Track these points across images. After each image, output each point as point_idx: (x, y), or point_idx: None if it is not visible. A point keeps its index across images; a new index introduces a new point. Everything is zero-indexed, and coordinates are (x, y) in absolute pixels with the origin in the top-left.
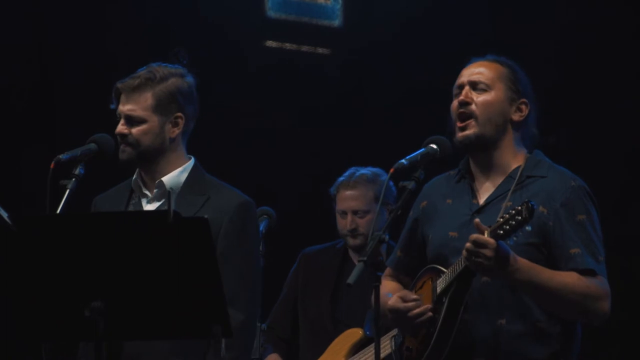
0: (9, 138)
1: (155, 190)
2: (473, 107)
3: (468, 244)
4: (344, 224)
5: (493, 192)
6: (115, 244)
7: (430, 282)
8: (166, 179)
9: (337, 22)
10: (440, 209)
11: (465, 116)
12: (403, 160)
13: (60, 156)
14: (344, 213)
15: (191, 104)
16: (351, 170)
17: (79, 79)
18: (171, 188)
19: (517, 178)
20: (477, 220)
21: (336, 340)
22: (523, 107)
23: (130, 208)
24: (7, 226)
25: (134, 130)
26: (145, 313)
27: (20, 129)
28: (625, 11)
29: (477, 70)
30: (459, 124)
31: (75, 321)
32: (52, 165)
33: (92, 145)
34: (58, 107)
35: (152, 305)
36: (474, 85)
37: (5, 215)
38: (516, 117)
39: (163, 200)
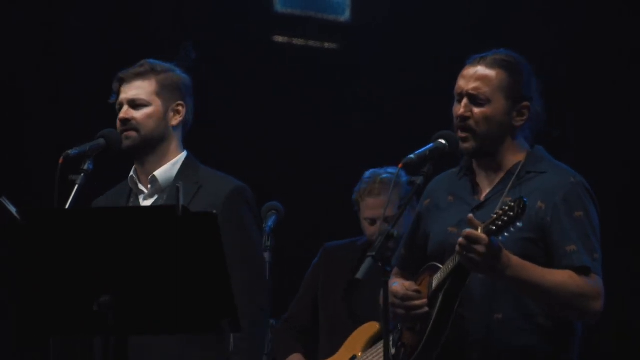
0: (16, 132)
1: (149, 186)
2: (471, 122)
3: (461, 239)
4: (372, 231)
5: (493, 188)
6: (123, 239)
7: (427, 279)
8: (158, 173)
9: (345, 17)
10: (442, 205)
11: (465, 129)
12: (412, 155)
13: (69, 151)
14: (373, 220)
15: (190, 97)
16: (370, 174)
17: (88, 73)
18: (178, 185)
19: (516, 173)
20: (470, 215)
21: (353, 334)
22: (525, 110)
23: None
24: (16, 220)
25: (138, 114)
26: (153, 308)
27: (28, 123)
28: (625, 11)
29: (476, 81)
30: (459, 134)
31: (83, 316)
32: (60, 161)
33: (101, 141)
34: (65, 102)
35: (160, 300)
36: (472, 98)
37: (13, 210)
38: (517, 122)
39: (157, 196)
